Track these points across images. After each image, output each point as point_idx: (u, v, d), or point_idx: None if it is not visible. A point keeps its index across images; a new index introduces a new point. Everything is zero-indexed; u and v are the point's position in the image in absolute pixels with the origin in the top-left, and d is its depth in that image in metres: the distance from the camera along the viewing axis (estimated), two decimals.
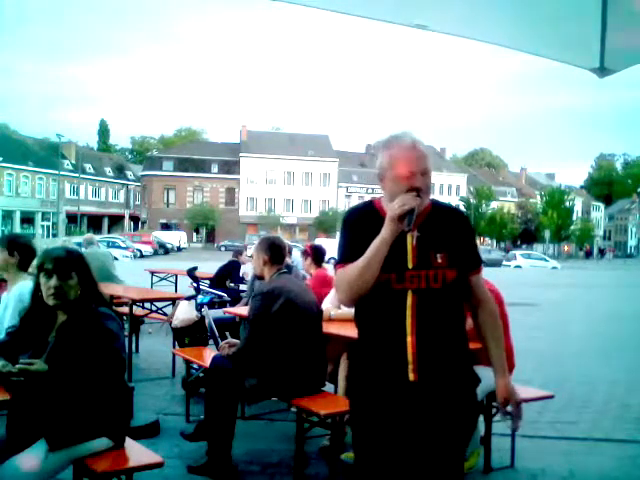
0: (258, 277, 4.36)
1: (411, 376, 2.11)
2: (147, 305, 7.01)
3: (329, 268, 6.10)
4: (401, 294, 2.11)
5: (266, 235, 4.67)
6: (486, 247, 62.93)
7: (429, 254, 2.13)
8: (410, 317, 2.11)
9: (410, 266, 2.12)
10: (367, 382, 2.20)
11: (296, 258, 8.67)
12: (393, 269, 2.09)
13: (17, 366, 2.51)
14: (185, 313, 6.26)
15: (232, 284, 9.49)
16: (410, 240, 2.12)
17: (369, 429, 2.19)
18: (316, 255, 6.02)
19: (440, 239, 2.15)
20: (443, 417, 2.15)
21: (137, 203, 74.01)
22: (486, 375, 4.09)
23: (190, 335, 6.19)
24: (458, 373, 2.20)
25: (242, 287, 9.35)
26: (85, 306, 2.74)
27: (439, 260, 2.13)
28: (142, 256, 40.57)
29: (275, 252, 4.07)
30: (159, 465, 2.81)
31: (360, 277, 2.06)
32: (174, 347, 6.23)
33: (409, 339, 2.10)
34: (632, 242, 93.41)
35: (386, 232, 2.03)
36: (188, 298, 7.28)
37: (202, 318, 6.11)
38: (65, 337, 2.67)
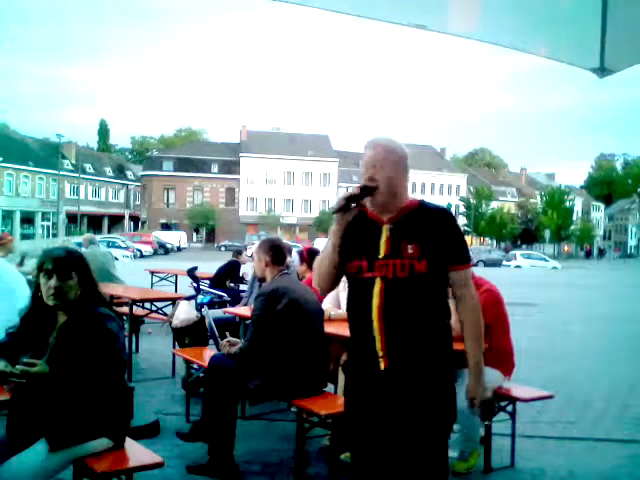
0: (260, 279, 4.36)
1: (381, 364, 2.22)
2: (147, 305, 7.01)
3: None
4: (370, 282, 2.25)
5: (266, 237, 4.68)
6: (486, 247, 62.97)
7: (401, 245, 2.26)
8: (376, 304, 2.23)
9: (381, 255, 2.26)
10: (349, 373, 2.38)
11: (295, 258, 8.67)
12: (365, 258, 2.27)
13: (18, 367, 2.51)
14: (185, 313, 6.26)
15: (232, 284, 9.50)
16: (385, 232, 2.29)
17: (354, 419, 2.33)
18: (312, 260, 5.91)
19: (415, 232, 2.27)
20: (416, 405, 2.22)
21: (137, 203, 73.98)
22: (486, 375, 4.10)
23: (190, 335, 6.19)
24: (430, 362, 2.24)
25: (242, 287, 9.36)
26: (85, 306, 2.74)
27: (410, 251, 2.25)
28: (142, 256, 40.57)
29: (276, 253, 4.08)
30: (159, 465, 2.81)
31: (321, 265, 2.39)
32: (174, 347, 6.23)
33: (375, 325, 2.23)
34: (632, 242, 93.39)
35: (334, 224, 2.32)
36: (188, 298, 7.28)
37: (202, 318, 6.11)
38: (66, 338, 2.67)
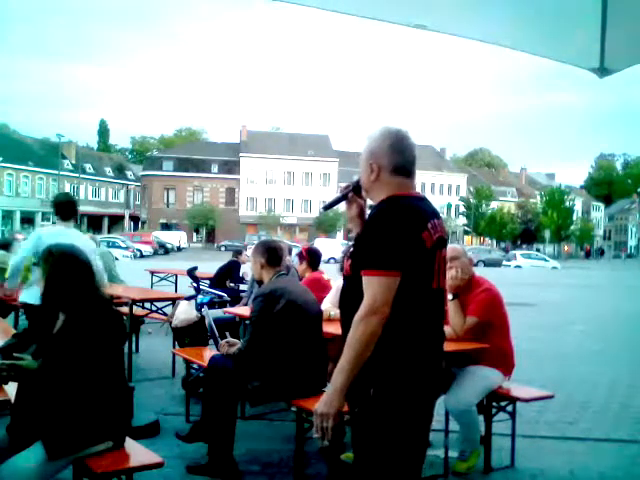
0: (258, 282, 4.35)
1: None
2: (147, 305, 7.01)
3: (325, 270, 6.05)
4: None
5: (262, 239, 4.67)
6: (486, 247, 62.94)
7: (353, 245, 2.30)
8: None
9: None
10: None
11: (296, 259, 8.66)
12: None
13: (5, 362, 2.52)
14: (185, 313, 6.26)
15: (232, 284, 9.50)
16: None
17: None
18: (312, 259, 5.86)
19: (361, 232, 2.28)
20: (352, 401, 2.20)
21: (137, 203, 73.99)
22: (486, 375, 4.11)
23: (190, 335, 6.19)
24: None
25: (242, 287, 9.36)
26: (85, 306, 2.74)
27: (350, 251, 2.30)
28: (142, 256, 40.53)
29: (271, 255, 4.06)
30: (159, 465, 2.81)
31: None
32: (174, 347, 6.23)
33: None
34: (632, 242, 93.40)
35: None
36: (188, 298, 7.28)
37: (202, 318, 6.11)
38: (64, 336, 2.67)
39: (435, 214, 2.25)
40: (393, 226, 2.09)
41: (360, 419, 2.17)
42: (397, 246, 2.07)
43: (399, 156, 2.24)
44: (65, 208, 5.00)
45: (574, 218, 71.91)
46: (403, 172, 2.25)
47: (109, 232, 63.08)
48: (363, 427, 2.17)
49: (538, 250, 60.34)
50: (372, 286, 2.07)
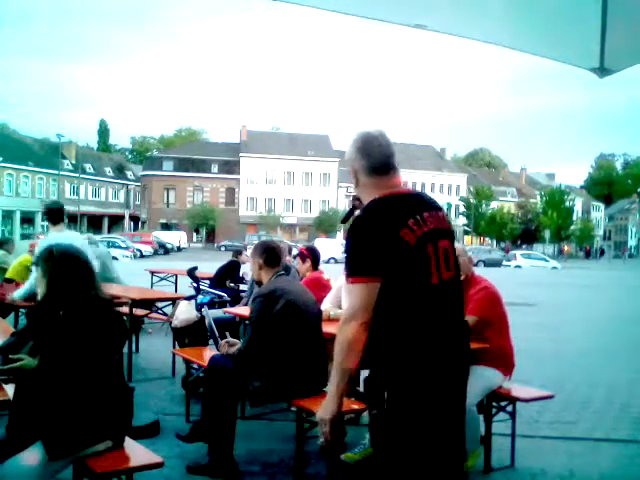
0: (257, 282, 4.36)
1: None
2: (147, 305, 7.00)
3: (325, 270, 6.05)
4: None
5: (261, 240, 4.68)
6: (486, 247, 62.95)
7: None
8: None
9: None
10: None
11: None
12: None
13: (5, 367, 2.52)
14: (185, 313, 6.26)
15: (232, 284, 9.51)
16: None
17: None
18: (315, 258, 5.90)
19: None
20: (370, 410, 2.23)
21: (137, 203, 73.99)
22: (486, 375, 4.11)
23: (190, 335, 6.19)
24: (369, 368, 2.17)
25: (242, 287, 9.37)
26: (84, 305, 2.74)
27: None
28: (142, 256, 40.55)
29: (270, 255, 4.06)
30: (159, 465, 2.81)
31: None
32: (174, 347, 6.23)
33: None
34: (632, 242, 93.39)
35: None
36: (188, 298, 7.28)
37: (202, 318, 6.11)
38: (64, 336, 2.67)
39: (424, 207, 2.20)
40: (366, 232, 2.08)
41: (378, 421, 2.18)
42: (373, 251, 2.06)
43: (369, 158, 2.26)
44: (54, 214, 5.37)
45: (574, 218, 71.90)
46: (378, 171, 2.25)
47: (109, 232, 63.05)
48: (381, 429, 2.17)
49: (545, 253, 60.18)
50: (351, 293, 2.09)
